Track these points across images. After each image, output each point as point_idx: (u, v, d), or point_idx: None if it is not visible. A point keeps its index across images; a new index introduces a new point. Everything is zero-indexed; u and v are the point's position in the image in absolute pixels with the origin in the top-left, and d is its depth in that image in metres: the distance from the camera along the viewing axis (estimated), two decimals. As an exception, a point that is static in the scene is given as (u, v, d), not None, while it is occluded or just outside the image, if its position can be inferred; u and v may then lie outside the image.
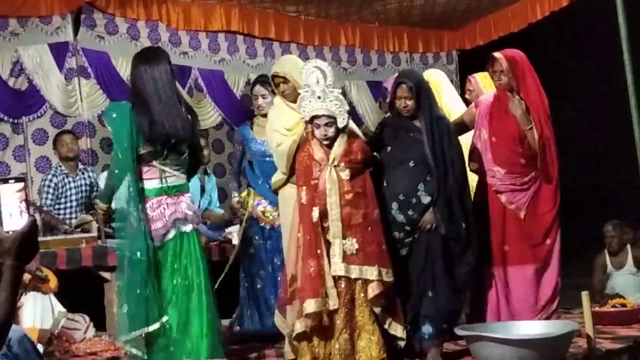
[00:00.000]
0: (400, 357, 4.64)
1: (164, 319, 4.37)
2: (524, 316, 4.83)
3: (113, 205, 4.45)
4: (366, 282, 4.46)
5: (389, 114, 5.03)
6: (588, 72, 8.33)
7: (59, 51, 7.42)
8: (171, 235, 4.44)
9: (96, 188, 7.00)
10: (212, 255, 6.10)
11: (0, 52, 7.16)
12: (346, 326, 4.44)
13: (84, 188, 6.89)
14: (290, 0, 8.51)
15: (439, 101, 5.48)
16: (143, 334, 4.33)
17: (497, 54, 4.99)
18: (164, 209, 4.42)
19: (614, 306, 5.81)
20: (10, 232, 2.16)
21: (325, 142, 4.56)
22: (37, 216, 6.66)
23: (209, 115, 8.24)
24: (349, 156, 4.54)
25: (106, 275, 6.03)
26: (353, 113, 9.11)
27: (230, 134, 8.11)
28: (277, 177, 5.00)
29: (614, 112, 6.71)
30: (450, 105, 5.62)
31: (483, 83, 5.70)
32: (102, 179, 7.11)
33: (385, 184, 4.74)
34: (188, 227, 4.49)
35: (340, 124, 4.53)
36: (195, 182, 7.25)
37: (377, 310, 4.49)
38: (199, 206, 7.20)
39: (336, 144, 4.56)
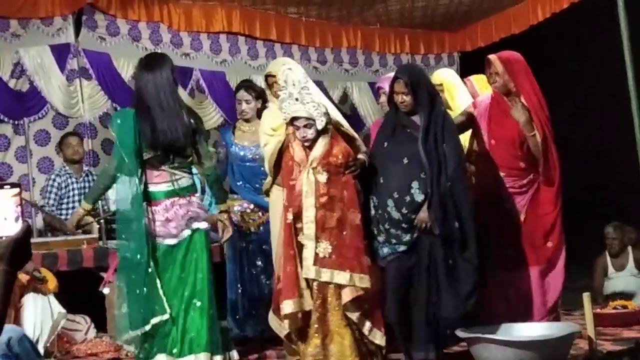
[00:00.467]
0: None
1: (165, 316, 4.39)
2: (531, 319, 4.78)
3: (113, 207, 4.45)
4: (340, 286, 4.43)
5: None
6: (589, 73, 8.32)
7: (60, 52, 7.42)
8: (186, 234, 4.52)
9: (100, 192, 7.00)
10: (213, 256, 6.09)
11: (1, 53, 7.16)
12: (318, 330, 4.43)
13: (86, 190, 6.89)
14: (291, 2, 8.51)
15: (452, 102, 5.46)
16: (142, 333, 4.39)
17: (491, 56, 4.97)
18: (178, 209, 4.50)
19: (615, 308, 5.81)
20: (4, 238, 2.16)
21: (305, 144, 4.56)
22: (39, 216, 6.68)
23: (211, 116, 8.24)
24: (327, 158, 4.52)
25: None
26: (355, 114, 9.14)
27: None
28: (267, 179, 5.03)
29: (615, 113, 6.70)
30: (463, 106, 5.55)
31: (479, 85, 5.66)
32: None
33: (381, 181, 4.67)
34: (202, 225, 4.58)
35: (319, 126, 4.53)
36: (195, 183, 7.25)
37: (354, 315, 4.44)
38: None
39: (316, 145, 4.55)
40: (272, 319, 4.73)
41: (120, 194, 4.55)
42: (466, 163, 4.84)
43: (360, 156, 4.74)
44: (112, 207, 6.61)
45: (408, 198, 4.56)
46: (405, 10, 8.99)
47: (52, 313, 5.23)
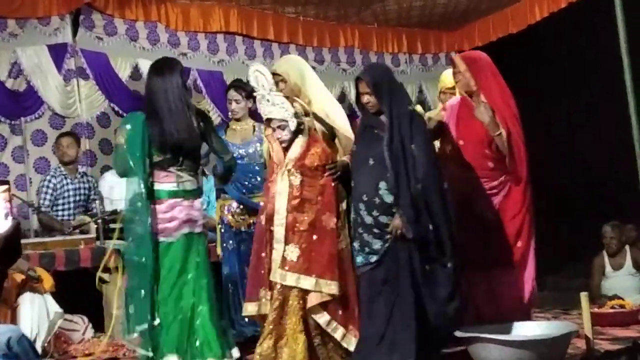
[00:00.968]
0: None
1: (156, 322, 4.45)
2: (514, 318, 4.67)
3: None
4: (304, 291, 4.39)
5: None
6: (587, 72, 8.32)
7: (58, 52, 7.41)
8: (181, 233, 4.54)
9: (94, 192, 7.00)
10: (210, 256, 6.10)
11: (-1, 53, 7.17)
12: (272, 331, 4.41)
13: (82, 191, 6.89)
14: (289, 2, 8.50)
15: None
16: (147, 333, 4.43)
17: (455, 55, 4.97)
18: (179, 211, 4.54)
19: (612, 307, 5.81)
20: None
21: (282, 145, 4.55)
22: (35, 217, 6.67)
23: (208, 116, 8.23)
24: (302, 161, 4.50)
25: (105, 276, 6.03)
26: (353, 114, 9.13)
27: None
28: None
29: (613, 112, 6.71)
30: None
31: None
32: (103, 182, 7.12)
33: (353, 184, 4.56)
34: (197, 229, 4.61)
35: (292, 127, 4.51)
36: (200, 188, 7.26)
37: (321, 320, 4.39)
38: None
39: (292, 147, 4.54)
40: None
41: (128, 196, 4.59)
42: (438, 164, 4.62)
43: (344, 158, 4.70)
44: (109, 207, 6.63)
45: (377, 200, 4.41)
46: (403, 10, 8.99)
47: (49, 312, 5.23)
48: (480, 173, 4.80)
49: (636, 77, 5.82)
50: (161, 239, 4.50)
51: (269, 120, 4.56)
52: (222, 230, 5.84)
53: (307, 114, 4.62)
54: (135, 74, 7.94)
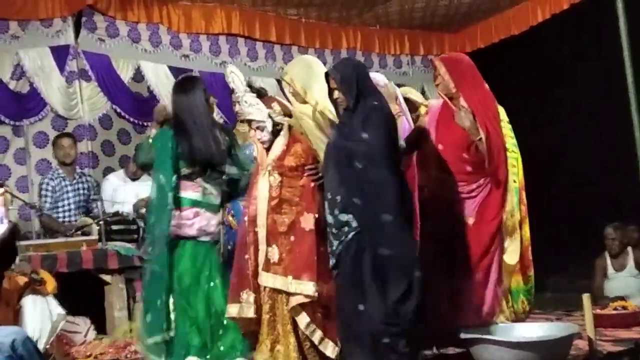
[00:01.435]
0: None
1: (171, 333, 4.62)
2: (474, 324, 4.57)
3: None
4: (289, 292, 4.36)
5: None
6: (589, 74, 8.31)
7: (60, 54, 7.43)
8: (198, 239, 4.75)
9: (94, 192, 7.01)
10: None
11: (1, 55, 7.18)
12: (269, 334, 4.40)
13: (81, 192, 6.89)
14: (291, 3, 8.51)
15: None
16: (163, 340, 4.59)
17: (435, 58, 4.95)
18: (200, 220, 4.74)
19: (615, 309, 5.80)
20: None
21: (264, 146, 4.55)
22: (36, 219, 6.68)
23: (211, 117, 8.24)
24: (281, 161, 4.47)
25: (107, 278, 6.04)
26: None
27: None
28: None
29: (615, 113, 6.70)
30: None
31: None
32: (107, 184, 7.12)
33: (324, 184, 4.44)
34: (206, 238, 4.80)
35: (269, 128, 4.51)
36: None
37: (302, 322, 4.34)
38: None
39: (272, 147, 4.52)
40: None
41: (152, 205, 4.84)
42: (392, 153, 4.28)
43: None
44: (112, 209, 6.63)
45: (339, 198, 4.25)
46: (405, 12, 8.99)
47: (51, 314, 5.23)
48: (459, 177, 4.72)
49: (638, 78, 5.82)
50: (180, 239, 4.69)
51: (250, 121, 4.56)
52: (223, 232, 5.85)
53: (288, 115, 4.58)
54: (138, 75, 7.96)
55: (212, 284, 4.71)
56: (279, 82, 5.30)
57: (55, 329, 5.25)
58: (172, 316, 4.61)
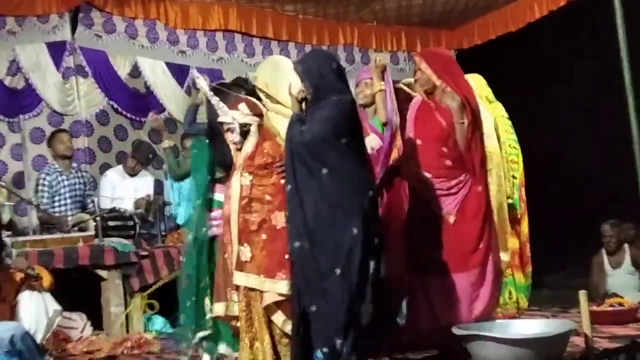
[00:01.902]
0: None
1: (208, 332, 4.80)
2: (465, 321, 4.54)
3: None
4: (263, 291, 4.35)
5: None
6: (586, 70, 8.33)
7: (57, 50, 7.42)
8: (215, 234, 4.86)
9: (90, 187, 7.01)
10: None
11: (-2, 50, 7.18)
12: (247, 332, 4.39)
13: (77, 186, 6.89)
14: (288, 0, 8.51)
15: None
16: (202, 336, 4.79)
17: (416, 54, 4.94)
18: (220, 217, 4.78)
19: (611, 305, 5.80)
20: None
21: (237, 147, 4.55)
22: (33, 214, 6.67)
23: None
24: (251, 160, 4.44)
25: (103, 274, 6.04)
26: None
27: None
28: None
29: (612, 110, 6.70)
30: None
31: (476, 84, 5.55)
32: (106, 180, 7.13)
33: None
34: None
35: (238, 129, 4.49)
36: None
37: (278, 320, 4.33)
38: (196, 206, 7.22)
39: (243, 148, 4.50)
40: None
41: (190, 209, 5.24)
42: (336, 147, 4.04)
43: None
44: (110, 206, 6.64)
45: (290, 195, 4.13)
46: (402, 8, 8.99)
47: (47, 310, 5.22)
48: (438, 172, 4.69)
49: (635, 75, 5.82)
50: (212, 238, 4.84)
51: (221, 123, 4.57)
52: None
53: (259, 115, 4.56)
54: (135, 71, 7.95)
55: None
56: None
57: (51, 325, 5.25)
58: (208, 316, 4.74)
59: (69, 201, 6.80)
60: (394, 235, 4.64)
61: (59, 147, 6.89)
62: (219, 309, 4.53)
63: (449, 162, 4.66)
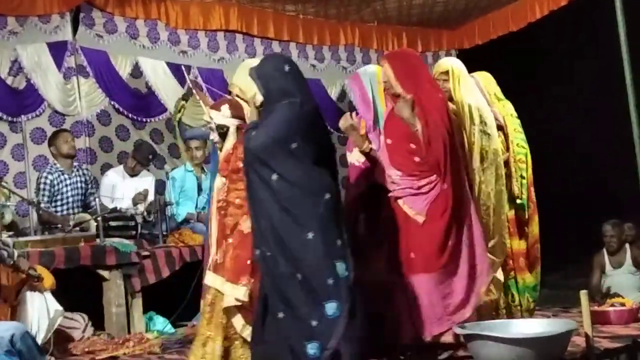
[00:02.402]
0: None
1: None
2: (430, 325, 4.56)
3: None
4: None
5: (354, 112, 4.95)
6: (587, 70, 8.33)
7: (58, 50, 7.43)
8: None
9: (91, 186, 7.01)
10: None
11: (-1, 50, 7.18)
12: (203, 332, 4.38)
13: (79, 185, 6.90)
14: (289, 0, 8.51)
15: (456, 93, 5.14)
16: None
17: (382, 57, 4.96)
18: None
19: (612, 305, 5.80)
20: None
21: (218, 147, 4.55)
22: (34, 214, 6.68)
23: (208, 114, 8.24)
24: (227, 163, 4.45)
25: (104, 274, 6.04)
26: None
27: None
28: None
29: (613, 110, 6.71)
30: (467, 99, 5.15)
31: (484, 82, 5.54)
32: (106, 180, 7.14)
33: None
34: None
35: (215, 131, 4.51)
36: (192, 181, 7.25)
37: (237, 324, 4.33)
38: (196, 205, 7.21)
39: (222, 150, 4.51)
40: None
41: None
42: (283, 153, 3.96)
43: None
44: (110, 206, 6.64)
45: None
46: (403, 8, 8.99)
47: (49, 310, 5.22)
48: (407, 170, 4.66)
49: (636, 75, 5.81)
50: None
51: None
52: None
53: (241, 118, 4.55)
54: (136, 71, 7.96)
55: None
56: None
57: (53, 325, 5.25)
58: None
59: (70, 200, 6.81)
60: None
61: (63, 146, 6.89)
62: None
63: (417, 159, 4.66)
